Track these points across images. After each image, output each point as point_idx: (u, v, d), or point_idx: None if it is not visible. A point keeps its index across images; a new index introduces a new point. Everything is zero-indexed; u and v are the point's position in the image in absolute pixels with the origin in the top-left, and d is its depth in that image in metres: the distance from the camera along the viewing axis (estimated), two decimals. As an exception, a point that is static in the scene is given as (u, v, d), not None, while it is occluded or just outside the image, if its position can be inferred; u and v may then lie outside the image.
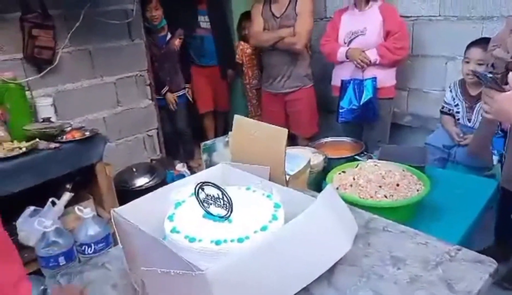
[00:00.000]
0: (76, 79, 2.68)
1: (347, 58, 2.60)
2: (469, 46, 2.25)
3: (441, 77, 2.74)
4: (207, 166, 1.62)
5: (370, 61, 2.54)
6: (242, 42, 3.73)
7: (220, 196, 0.94)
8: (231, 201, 0.93)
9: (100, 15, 2.63)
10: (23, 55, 2.39)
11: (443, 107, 2.46)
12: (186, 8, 3.56)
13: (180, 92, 3.40)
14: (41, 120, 2.30)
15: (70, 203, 2.12)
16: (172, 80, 3.31)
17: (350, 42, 2.62)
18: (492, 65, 1.99)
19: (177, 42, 3.21)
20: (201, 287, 0.77)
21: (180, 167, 3.30)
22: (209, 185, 0.95)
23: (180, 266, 0.79)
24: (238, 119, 1.34)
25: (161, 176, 2.78)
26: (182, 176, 3.10)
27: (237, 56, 3.75)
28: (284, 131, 1.22)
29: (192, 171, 3.36)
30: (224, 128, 4.04)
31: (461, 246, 1.06)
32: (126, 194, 2.55)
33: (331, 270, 0.96)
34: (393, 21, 2.55)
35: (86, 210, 1.93)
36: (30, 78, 2.40)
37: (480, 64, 2.16)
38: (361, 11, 2.60)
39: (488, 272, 0.95)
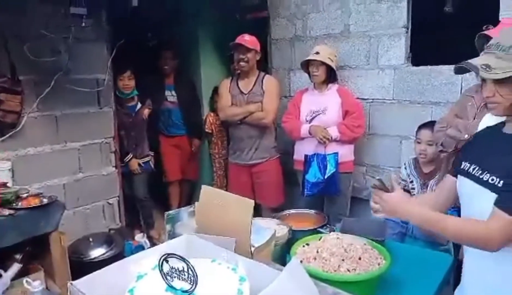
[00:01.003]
0: (39, 143, 2.63)
1: (310, 134, 2.74)
2: (419, 128, 2.45)
3: (396, 155, 2.93)
4: (170, 237, 1.59)
5: (331, 137, 2.69)
6: (212, 113, 3.86)
7: (185, 269, 0.93)
8: (196, 274, 0.92)
9: (71, 82, 2.66)
10: (-15, 117, 2.35)
11: (399, 183, 2.59)
12: (155, 82, 3.70)
13: (146, 159, 3.39)
14: (-3, 185, 2.20)
15: (18, 275, 1.97)
16: (137, 147, 3.31)
17: (311, 120, 2.79)
18: (442, 144, 2.17)
19: (146, 111, 3.28)
20: None
21: (139, 237, 3.16)
22: (174, 257, 0.94)
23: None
24: (205, 189, 1.35)
25: (119, 246, 2.65)
26: (141, 247, 2.96)
27: (206, 126, 3.86)
28: (251, 202, 1.25)
29: (152, 242, 3.24)
30: (189, 197, 4.00)
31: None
32: (80, 265, 2.41)
33: None
34: (350, 102, 2.77)
35: (35, 283, 1.80)
36: (-10, 142, 2.34)
37: (430, 144, 2.34)
38: (321, 92, 2.81)
39: None
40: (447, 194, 1.35)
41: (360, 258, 1.52)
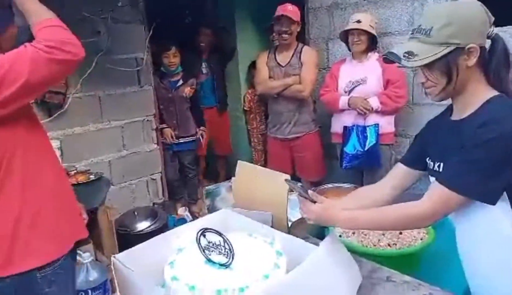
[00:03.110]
0: (84, 123, 2.74)
1: (349, 106, 2.65)
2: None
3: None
4: (210, 211, 1.62)
5: (372, 108, 2.59)
6: (249, 91, 3.85)
7: (222, 243, 0.94)
8: (233, 249, 0.93)
9: (112, 62, 2.73)
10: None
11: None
12: (193, 59, 3.69)
13: (191, 138, 3.42)
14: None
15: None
16: (180, 125, 3.34)
17: (351, 91, 2.69)
18: None
19: (187, 90, 3.28)
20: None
21: (182, 211, 3.28)
22: (210, 232, 0.95)
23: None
24: (241, 165, 1.36)
25: (163, 220, 2.75)
26: (183, 220, 3.07)
27: (245, 104, 3.86)
28: (287, 177, 1.24)
29: (194, 216, 3.34)
30: (226, 172, 4.04)
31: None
32: (127, 238, 2.52)
33: (334, 322, 0.94)
34: (392, 71, 2.62)
35: (85, 255, 1.92)
36: (41, 122, 2.46)
37: None
38: (361, 62, 2.69)
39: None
40: (394, 182, 1.24)
41: (401, 233, 1.48)
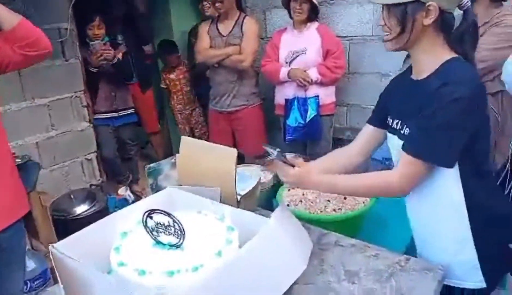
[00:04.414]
0: (4, 102, 2.47)
1: (289, 78, 2.66)
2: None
3: (377, 93, 2.88)
4: (154, 190, 1.55)
5: (311, 80, 2.62)
6: (165, 70, 3.68)
7: (171, 223, 0.90)
8: (183, 228, 0.89)
9: (31, 33, 2.47)
10: None
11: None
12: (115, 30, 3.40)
13: (129, 111, 3.22)
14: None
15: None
16: (118, 97, 3.12)
17: (291, 61, 2.69)
18: None
19: (120, 54, 3.04)
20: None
21: (122, 191, 3.14)
22: (157, 212, 0.90)
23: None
24: (185, 140, 1.30)
25: (102, 202, 2.61)
26: (125, 201, 2.95)
27: (162, 82, 3.70)
28: (233, 151, 1.20)
29: (136, 196, 3.22)
30: (164, 150, 3.90)
31: (409, 256, 1.10)
32: (64, 223, 2.37)
33: (290, 291, 0.95)
34: (330, 41, 2.66)
35: (19, 245, 1.77)
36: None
37: None
38: (300, 32, 2.69)
39: (437, 279, 0.99)
40: (362, 144, 1.29)
41: (345, 198, 1.53)
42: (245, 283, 0.84)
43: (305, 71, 2.63)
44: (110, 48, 2.94)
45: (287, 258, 0.97)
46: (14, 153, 2.31)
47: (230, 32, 2.80)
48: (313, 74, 2.63)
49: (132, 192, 3.22)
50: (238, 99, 2.90)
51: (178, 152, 1.32)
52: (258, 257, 0.89)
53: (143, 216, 0.91)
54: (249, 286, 0.84)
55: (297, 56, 2.67)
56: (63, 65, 2.77)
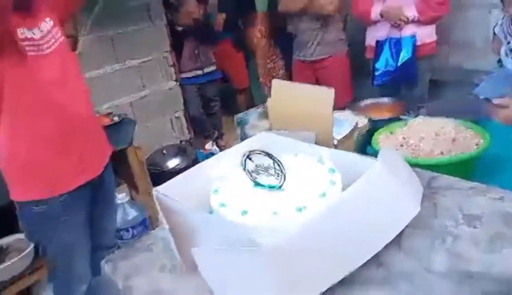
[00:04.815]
0: (99, 66, 2.63)
1: (382, 17, 2.40)
2: None
3: (485, 27, 2.50)
4: (242, 140, 1.52)
5: (407, 18, 2.32)
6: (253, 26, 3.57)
7: (271, 165, 0.85)
8: (284, 168, 0.84)
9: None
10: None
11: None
12: None
13: (213, 67, 3.25)
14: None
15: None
16: (201, 55, 3.15)
17: None
18: None
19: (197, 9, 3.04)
20: (261, 264, 0.69)
21: (209, 145, 3.24)
22: (257, 153, 0.86)
23: (235, 242, 0.71)
24: (277, 83, 1.23)
25: (192, 156, 2.72)
26: (212, 155, 3.03)
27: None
28: (331, 92, 1.11)
29: (221, 150, 3.29)
30: (247, 107, 3.90)
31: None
32: (158, 176, 2.51)
33: (400, 235, 0.86)
34: None
35: (121, 195, 1.90)
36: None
37: None
38: None
39: None
40: None
41: (454, 140, 1.36)
42: (355, 224, 0.77)
43: (400, 8, 2.35)
44: (197, 8, 2.93)
45: (397, 200, 0.87)
46: (111, 112, 2.48)
47: None
48: (410, 11, 2.33)
49: (218, 146, 3.31)
50: (322, 47, 2.73)
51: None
52: (367, 198, 0.81)
53: (242, 157, 0.87)
54: (359, 227, 0.77)
55: None
56: (150, 28, 2.85)
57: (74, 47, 2.43)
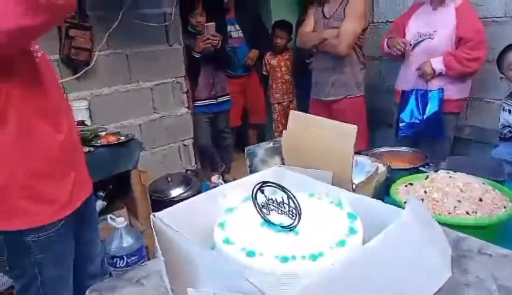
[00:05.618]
0: (112, 83, 2.60)
1: (388, 47, 2.35)
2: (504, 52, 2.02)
3: (504, 85, 2.43)
4: (251, 172, 1.43)
5: (434, 71, 2.26)
6: (268, 54, 3.58)
7: (285, 200, 0.75)
8: (300, 207, 0.74)
9: (138, 17, 2.55)
10: (59, 56, 2.32)
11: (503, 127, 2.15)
12: (216, 19, 3.40)
13: (227, 97, 3.22)
14: (75, 123, 2.20)
15: (102, 212, 1.99)
16: (216, 84, 3.12)
17: (415, 46, 2.34)
18: None
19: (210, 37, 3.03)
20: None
21: (215, 179, 3.12)
22: (271, 186, 0.76)
23: (238, 288, 0.61)
24: (295, 115, 1.15)
25: (197, 187, 2.62)
26: (217, 188, 2.93)
27: (264, 68, 3.61)
28: (353, 128, 1.03)
29: (228, 184, 3.19)
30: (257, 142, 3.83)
31: None
32: (160, 204, 2.40)
33: (428, 302, 0.75)
34: (468, 26, 2.21)
35: (119, 219, 1.78)
36: (66, 79, 2.33)
37: None
38: (435, 9, 2.30)
39: None
40: None
41: (481, 199, 1.25)
42: (379, 284, 0.66)
43: (427, 60, 2.29)
44: (218, 35, 2.92)
45: (428, 259, 0.76)
46: (118, 131, 2.41)
47: (334, 13, 2.58)
48: (437, 64, 2.26)
49: (224, 180, 3.20)
50: (336, 88, 2.66)
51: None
52: (394, 254, 0.70)
53: (253, 188, 0.78)
54: (383, 287, 0.66)
55: (423, 40, 2.32)
56: (166, 50, 2.83)
57: (88, 60, 2.41)
